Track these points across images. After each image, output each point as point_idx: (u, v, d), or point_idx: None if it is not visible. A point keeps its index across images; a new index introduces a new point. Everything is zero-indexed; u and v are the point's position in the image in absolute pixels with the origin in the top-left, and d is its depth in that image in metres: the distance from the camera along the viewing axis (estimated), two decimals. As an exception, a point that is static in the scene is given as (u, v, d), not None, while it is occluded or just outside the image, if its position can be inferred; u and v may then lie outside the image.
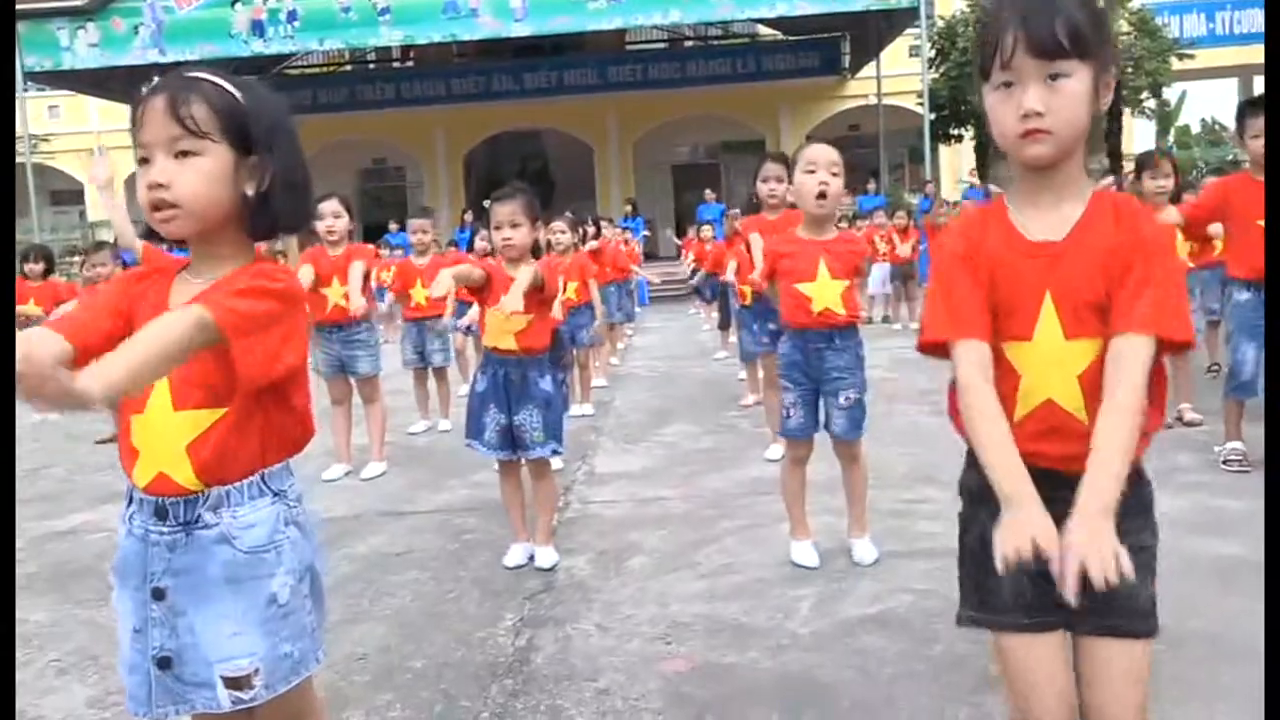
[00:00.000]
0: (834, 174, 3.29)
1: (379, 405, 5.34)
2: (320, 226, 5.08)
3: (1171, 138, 24.65)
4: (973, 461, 1.59)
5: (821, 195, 3.28)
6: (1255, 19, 23.56)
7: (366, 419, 5.32)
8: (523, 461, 3.56)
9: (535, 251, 3.58)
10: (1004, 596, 1.54)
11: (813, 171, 3.28)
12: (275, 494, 1.57)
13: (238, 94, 1.50)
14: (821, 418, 3.44)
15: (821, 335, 3.36)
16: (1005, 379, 1.53)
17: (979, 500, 1.58)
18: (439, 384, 6.48)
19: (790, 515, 3.53)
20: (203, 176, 1.47)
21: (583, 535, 3.96)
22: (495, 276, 3.48)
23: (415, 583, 3.50)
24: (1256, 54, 22.48)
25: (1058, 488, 1.45)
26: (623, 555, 3.66)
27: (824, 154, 3.30)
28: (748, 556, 3.58)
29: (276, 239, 1.68)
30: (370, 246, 5.99)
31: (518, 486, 3.65)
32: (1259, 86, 26.28)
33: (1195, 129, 31.37)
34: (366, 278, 5.21)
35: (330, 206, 5.06)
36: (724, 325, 9.51)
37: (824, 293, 3.34)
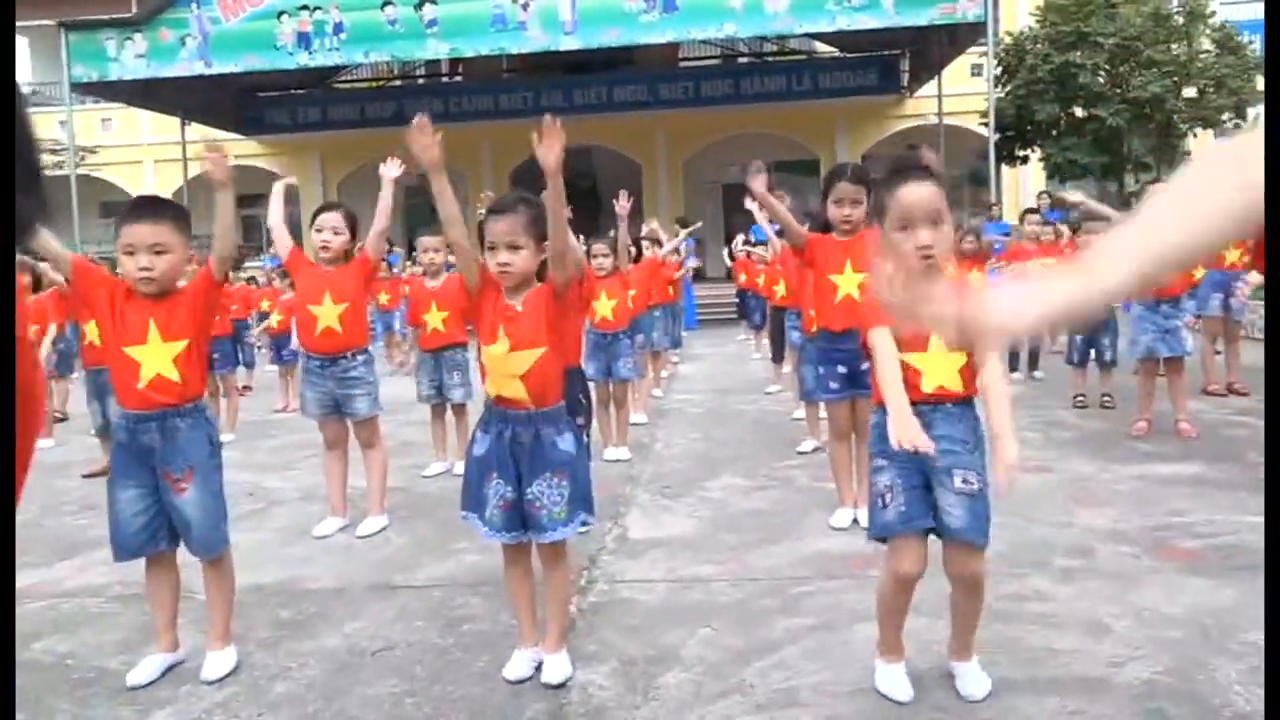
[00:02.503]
0: (935, 223, 2.45)
1: (380, 451, 4.63)
2: (316, 239, 4.41)
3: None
4: None
5: (928, 257, 2.44)
6: (1342, 39, 22.26)
7: (366, 467, 4.62)
8: (534, 545, 2.82)
9: (542, 278, 2.85)
10: None
11: (906, 228, 2.45)
12: None
13: None
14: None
15: (930, 404, 2.55)
16: None
17: None
18: (458, 421, 5.77)
19: (882, 633, 2.70)
20: None
21: (606, 631, 3.19)
22: (489, 298, 2.78)
23: (390, 699, 2.75)
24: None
25: None
26: (654, 667, 2.88)
27: (921, 202, 2.44)
28: (816, 676, 2.78)
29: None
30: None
31: (527, 577, 2.89)
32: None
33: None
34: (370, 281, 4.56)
35: (330, 219, 4.40)
36: (777, 358, 8.70)
37: (936, 367, 2.53)
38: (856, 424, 4.24)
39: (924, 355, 2.54)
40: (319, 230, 4.44)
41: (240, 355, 10.28)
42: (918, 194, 2.47)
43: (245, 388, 10.24)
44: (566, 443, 2.74)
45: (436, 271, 5.56)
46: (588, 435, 4.30)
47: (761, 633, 3.11)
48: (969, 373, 2.55)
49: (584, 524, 2.80)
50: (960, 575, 2.59)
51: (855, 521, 4.25)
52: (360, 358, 4.53)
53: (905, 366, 2.53)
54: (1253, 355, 7.95)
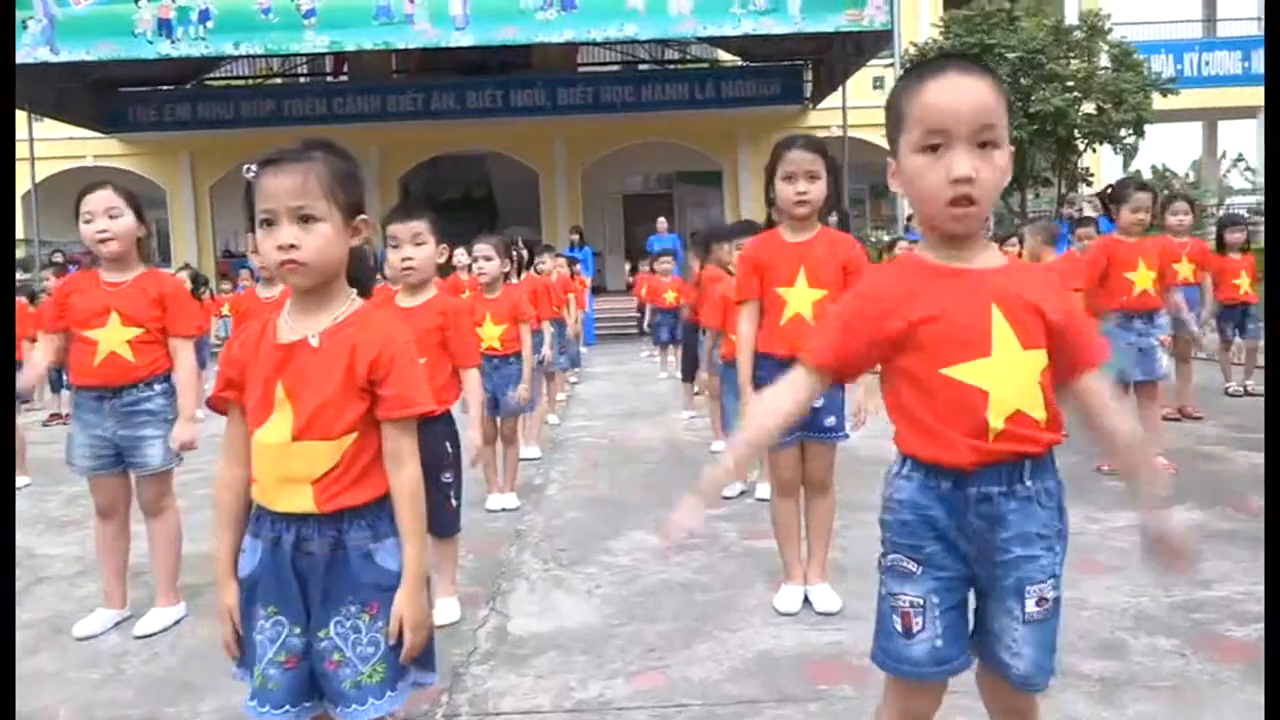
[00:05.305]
0: (985, 145, 1.50)
1: (170, 517, 3.40)
2: (88, 232, 3.21)
3: (1125, 182, 23.89)
4: None
5: (965, 199, 1.51)
6: (1224, 61, 23.01)
7: (150, 540, 3.43)
8: None
9: (359, 280, 1.79)
10: None
11: (936, 148, 1.51)
12: None
13: None
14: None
15: (999, 473, 1.56)
16: None
17: None
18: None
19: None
20: None
21: (467, 813, 2.12)
22: (251, 337, 1.73)
23: None
24: (1223, 97, 21.74)
25: None
26: None
27: (967, 110, 1.49)
28: None
29: None
30: (194, 304, 4.11)
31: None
32: (1225, 131, 25.56)
33: (1145, 174, 30.86)
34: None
35: (99, 200, 3.21)
36: (690, 377, 7.76)
37: (1008, 381, 1.54)
38: (808, 475, 3.26)
39: (987, 364, 1.53)
40: (88, 220, 3.23)
41: (63, 377, 8.83)
42: (961, 94, 1.49)
43: (68, 415, 8.76)
44: (388, 555, 1.66)
45: (272, 278, 4.37)
46: (456, 497, 3.23)
47: (700, 813, 2.09)
48: (1051, 384, 1.58)
49: (417, 684, 1.72)
50: (1006, 709, 1.73)
51: (807, 602, 3.28)
52: (158, 387, 3.33)
53: (952, 390, 1.54)
54: (1199, 376, 7.37)
